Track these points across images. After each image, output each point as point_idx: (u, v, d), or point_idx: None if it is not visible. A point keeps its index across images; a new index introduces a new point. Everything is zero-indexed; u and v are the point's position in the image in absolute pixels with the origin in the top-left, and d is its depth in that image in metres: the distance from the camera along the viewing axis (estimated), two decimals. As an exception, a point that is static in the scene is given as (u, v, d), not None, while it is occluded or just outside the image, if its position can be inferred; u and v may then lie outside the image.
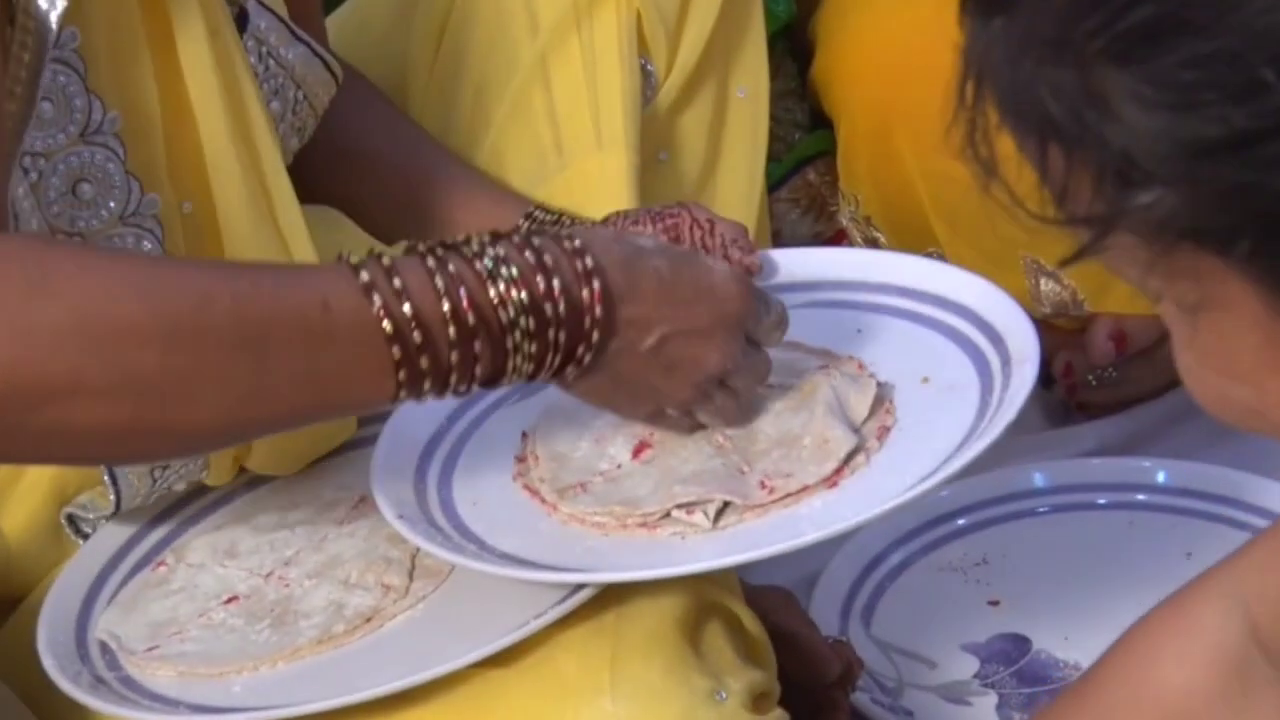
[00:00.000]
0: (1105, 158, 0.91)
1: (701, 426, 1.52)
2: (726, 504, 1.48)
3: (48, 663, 1.49)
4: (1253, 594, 1.23)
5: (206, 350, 1.33)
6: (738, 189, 1.92)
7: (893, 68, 2.13)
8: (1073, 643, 1.85)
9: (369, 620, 1.52)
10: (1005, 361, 1.54)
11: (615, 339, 1.44)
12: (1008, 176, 0.97)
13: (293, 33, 1.70)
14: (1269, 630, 1.22)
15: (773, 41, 2.05)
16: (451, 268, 1.38)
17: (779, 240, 2.13)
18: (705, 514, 1.48)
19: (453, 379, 1.39)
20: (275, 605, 1.55)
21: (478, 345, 1.38)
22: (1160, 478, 2.00)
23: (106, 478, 1.59)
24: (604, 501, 1.51)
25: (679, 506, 1.48)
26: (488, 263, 1.39)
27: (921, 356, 1.59)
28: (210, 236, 1.56)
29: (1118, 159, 0.90)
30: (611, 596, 1.47)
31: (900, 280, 1.66)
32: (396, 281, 1.36)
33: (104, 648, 1.52)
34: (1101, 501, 2.00)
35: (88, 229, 1.52)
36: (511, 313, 1.39)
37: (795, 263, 1.72)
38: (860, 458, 1.50)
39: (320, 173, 1.78)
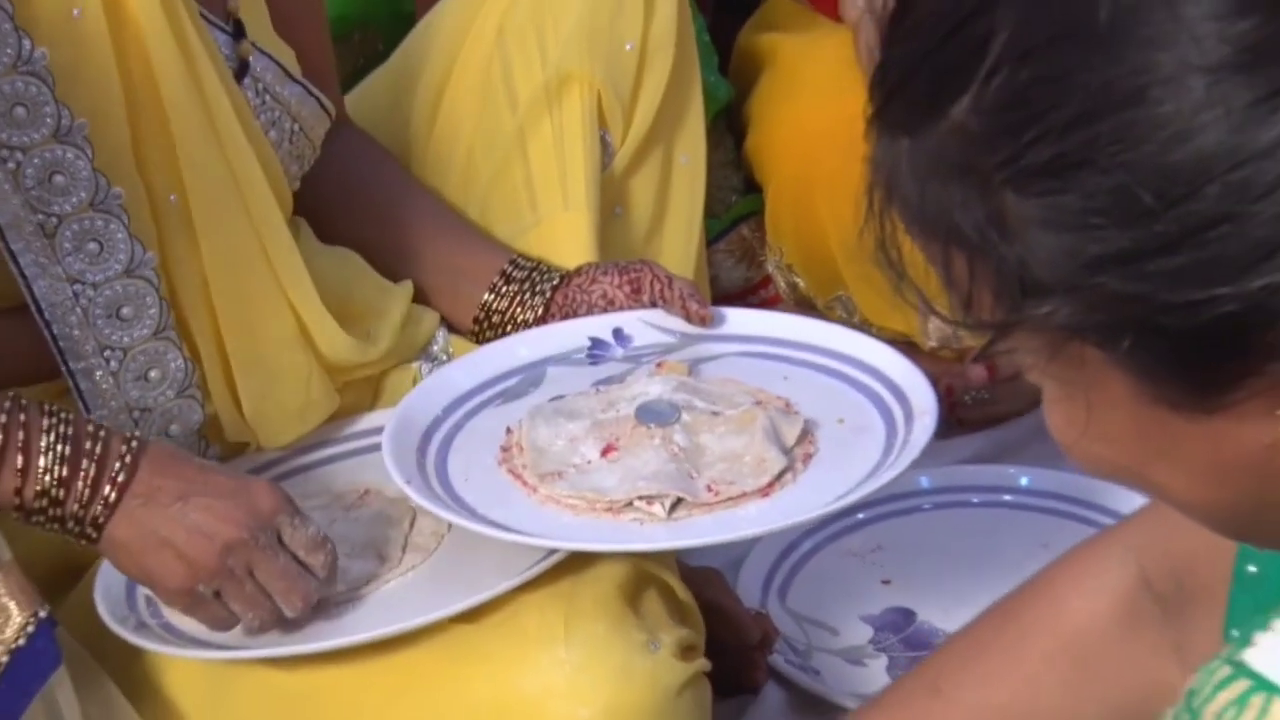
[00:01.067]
0: (1007, 271, 0.87)
1: (236, 620, 1.48)
2: (679, 500, 1.51)
3: (102, 610, 1.49)
4: (1143, 546, 1.24)
5: None
6: (679, 239, 1.91)
7: (811, 146, 2.11)
8: (950, 615, 1.83)
9: (367, 583, 1.53)
10: (908, 414, 1.57)
11: (135, 491, 1.43)
12: (916, 278, 0.94)
13: (288, 75, 1.69)
14: (1154, 574, 1.22)
15: (714, 121, 2.06)
16: (21, 415, 1.41)
17: (716, 283, 2.14)
18: (662, 506, 1.50)
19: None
20: None
21: (11, 471, 1.41)
22: (1023, 481, 2.01)
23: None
24: (577, 487, 1.52)
25: (640, 498, 1.51)
26: (48, 420, 1.42)
27: (837, 403, 1.61)
28: (184, 222, 1.57)
29: (1018, 272, 0.86)
30: (567, 568, 1.49)
31: (823, 343, 1.68)
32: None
33: (148, 600, 1.51)
34: (975, 500, 2.00)
35: (62, 211, 1.51)
36: (44, 458, 1.41)
37: (739, 319, 1.73)
38: (789, 476, 1.53)
39: (335, 217, 1.78)
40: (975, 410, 2.16)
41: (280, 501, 1.47)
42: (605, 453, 1.55)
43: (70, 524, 1.44)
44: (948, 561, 1.91)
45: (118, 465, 1.43)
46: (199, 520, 1.44)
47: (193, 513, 1.44)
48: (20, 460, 1.41)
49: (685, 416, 1.57)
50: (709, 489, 1.52)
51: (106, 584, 1.52)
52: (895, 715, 1.29)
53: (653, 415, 1.57)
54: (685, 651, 1.51)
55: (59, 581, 1.57)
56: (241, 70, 1.63)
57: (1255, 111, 0.82)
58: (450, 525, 1.54)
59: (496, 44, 1.84)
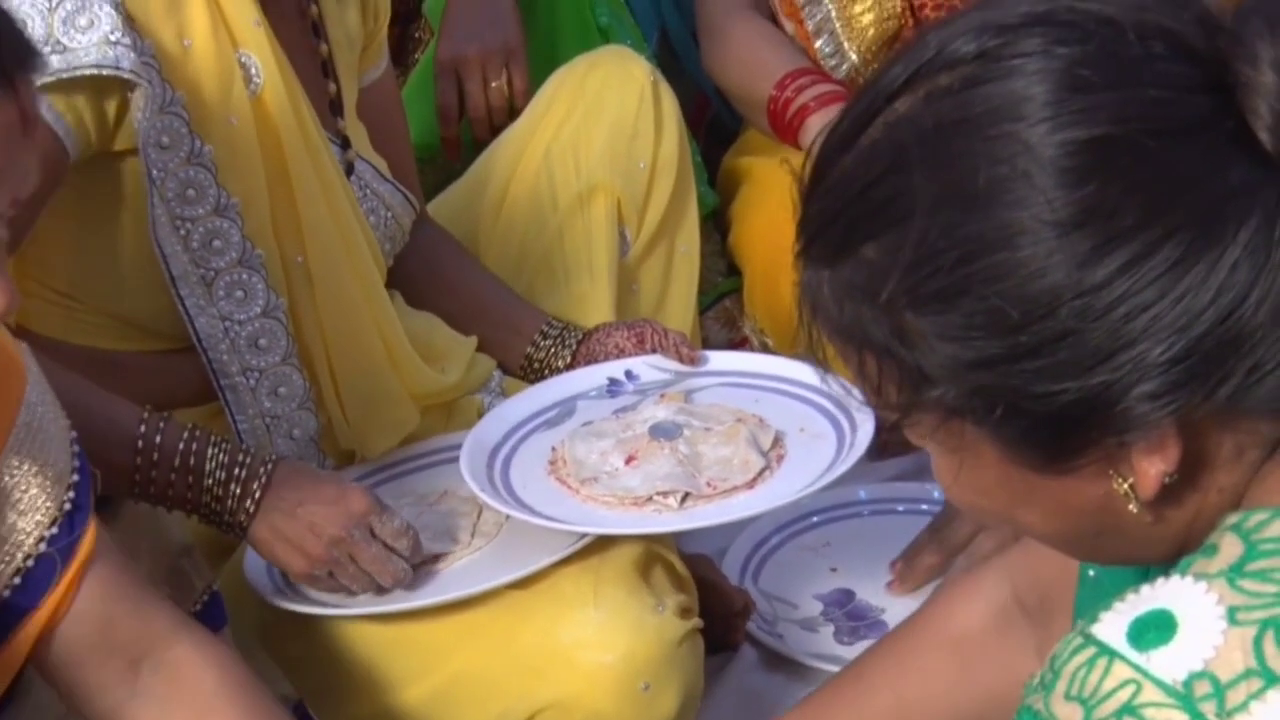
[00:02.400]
0: (907, 368, 0.87)
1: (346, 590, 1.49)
2: (687, 494, 1.53)
3: (252, 579, 1.52)
4: (1015, 570, 1.22)
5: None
6: (680, 309, 1.92)
7: (777, 243, 2.01)
8: (880, 595, 1.84)
9: (443, 559, 1.54)
10: (852, 424, 1.58)
11: (267, 501, 1.45)
12: (841, 373, 0.93)
13: (382, 176, 1.71)
14: (1022, 591, 1.21)
15: (704, 221, 2.05)
16: (195, 441, 1.44)
17: (706, 342, 2.09)
18: (675, 498, 1.52)
19: (166, 490, 1.44)
20: None
21: (184, 479, 1.43)
22: (936, 494, 1.93)
23: (234, 430, 1.58)
24: (610, 489, 1.54)
25: (658, 494, 1.52)
26: (213, 446, 1.44)
27: (797, 418, 1.63)
28: (306, 281, 1.58)
29: (915, 370, 0.87)
30: (594, 549, 1.51)
31: (782, 373, 1.70)
32: (158, 429, 1.42)
33: (283, 574, 1.53)
34: (901, 509, 1.97)
35: (218, 267, 1.52)
36: (209, 466, 1.44)
37: (719, 359, 1.75)
38: (768, 472, 1.55)
39: (421, 289, 1.79)
40: (893, 434, 2.08)
41: (370, 503, 1.47)
42: (628, 462, 1.56)
43: (224, 524, 1.47)
44: (880, 555, 1.87)
45: (256, 484, 1.45)
46: (311, 522, 1.46)
47: (306, 517, 1.46)
48: (191, 478, 1.45)
49: (686, 432, 1.58)
50: (709, 485, 1.53)
51: (251, 561, 1.54)
52: (831, 700, 1.26)
53: (662, 432, 1.58)
54: (684, 612, 1.53)
55: (215, 560, 1.59)
56: (348, 170, 1.65)
57: (1091, 256, 0.83)
58: (507, 517, 1.54)
59: (544, 162, 1.85)
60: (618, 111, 1.87)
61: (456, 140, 2.11)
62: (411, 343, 1.68)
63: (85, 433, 1.30)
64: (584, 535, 1.49)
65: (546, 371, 1.78)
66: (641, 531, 1.51)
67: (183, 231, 1.50)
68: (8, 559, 1.20)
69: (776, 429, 1.60)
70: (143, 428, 1.42)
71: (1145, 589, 0.83)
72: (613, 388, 1.71)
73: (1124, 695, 0.79)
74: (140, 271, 1.52)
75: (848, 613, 1.85)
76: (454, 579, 1.52)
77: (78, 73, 1.39)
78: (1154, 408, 0.84)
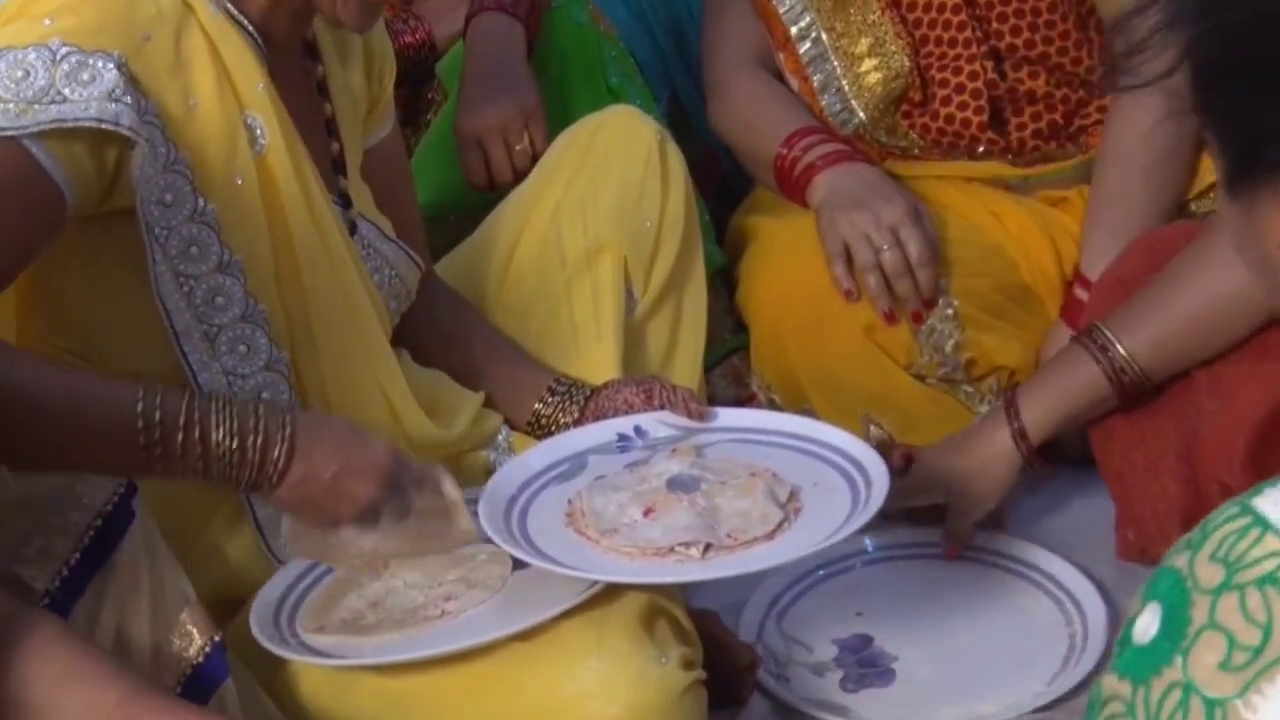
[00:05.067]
0: None
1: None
2: (708, 545, 1.53)
3: (256, 632, 1.52)
4: None
5: (45, 416, 1.36)
6: (687, 367, 1.93)
7: (783, 300, 2.13)
8: (898, 644, 1.84)
9: (450, 614, 1.54)
10: (866, 479, 1.59)
11: (295, 471, 1.43)
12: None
13: (385, 235, 1.71)
14: None
15: (711, 279, 2.08)
16: (196, 407, 1.41)
17: (714, 400, 2.10)
18: (697, 550, 1.53)
19: (176, 464, 1.41)
20: (405, 604, 1.57)
21: (190, 450, 1.40)
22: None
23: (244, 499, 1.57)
24: (631, 539, 1.54)
25: (680, 544, 1.53)
26: (215, 410, 1.41)
27: (810, 472, 1.63)
28: (307, 336, 1.59)
29: None
30: (599, 601, 1.51)
31: (790, 429, 1.71)
32: (157, 402, 1.39)
33: (289, 624, 1.54)
34: (937, 553, 1.95)
35: (221, 322, 1.53)
36: (217, 434, 1.41)
37: (727, 415, 1.76)
38: (786, 524, 1.56)
39: (429, 347, 1.80)
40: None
41: (397, 461, 1.48)
42: (646, 514, 1.56)
43: (242, 488, 1.45)
44: (907, 601, 1.89)
45: (278, 451, 1.43)
46: (346, 487, 1.46)
47: (342, 483, 1.45)
48: (200, 441, 1.42)
49: (703, 485, 1.58)
50: (729, 536, 1.54)
51: (259, 614, 1.54)
52: None
53: (680, 485, 1.59)
54: (687, 664, 1.53)
55: (224, 612, 1.58)
56: (351, 229, 1.66)
57: None
58: (511, 570, 1.55)
59: (551, 221, 1.87)
60: (625, 170, 1.88)
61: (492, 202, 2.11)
62: (417, 398, 1.69)
63: (90, 425, 1.33)
64: (589, 587, 1.50)
65: (554, 428, 1.79)
66: (665, 581, 1.52)
67: (185, 288, 1.51)
68: None
69: (791, 483, 1.61)
70: (140, 405, 1.40)
71: None
72: (622, 443, 1.72)
73: (1269, 565, 0.81)
74: (148, 329, 1.53)
75: (860, 659, 1.86)
76: (458, 631, 1.52)
77: (78, 124, 1.41)
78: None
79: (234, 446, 1.42)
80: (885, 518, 1.97)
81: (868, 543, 1.98)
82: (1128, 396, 1.78)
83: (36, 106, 1.39)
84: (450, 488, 1.52)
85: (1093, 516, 1.96)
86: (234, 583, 1.62)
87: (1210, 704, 0.80)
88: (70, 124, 1.40)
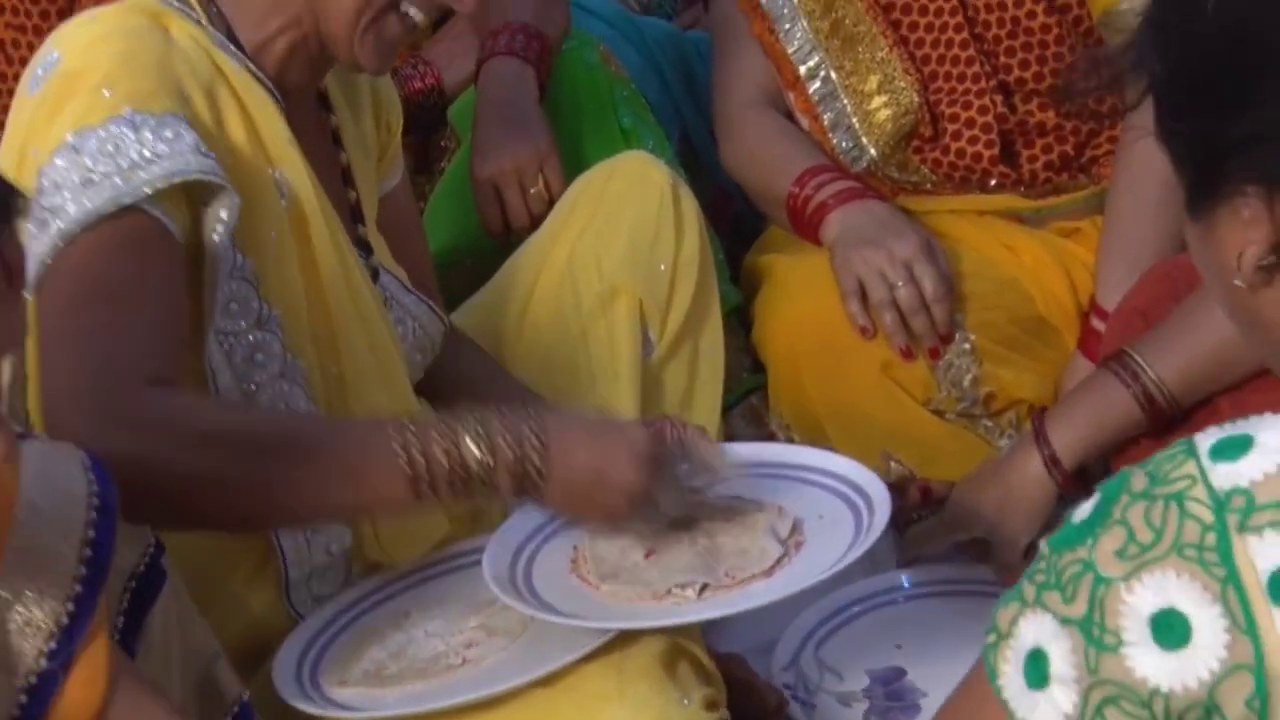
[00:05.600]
0: None
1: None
2: (705, 585, 1.53)
3: (280, 687, 1.52)
4: None
5: (285, 463, 1.36)
6: (705, 408, 1.94)
7: (799, 339, 2.13)
8: (931, 680, 1.81)
9: (472, 662, 1.54)
10: (870, 507, 1.59)
11: (556, 472, 1.43)
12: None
13: (404, 286, 1.73)
14: None
15: (727, 318, 2.07)
16: (448, 426, 1.41)
17: (733, 439, 2.08)
18: (693, 590, 1.53)
19: (443, 487, 1.41)
20: (427, 653, 1.57)
21: (453, 471, 1.40)
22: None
23: (276, 545, 1.57)
24: (630, 584, 1.55)
25: (676, 586, 1.53)
26: (467, 425, 1.42)
27: (817, 504, 1.63)
28: (341, 391, 1.59)
29: None
30: (619, 644, 1.51)
31: (799, 460, 1.71)
32: (411, 435, 1.40)
33: (311, 679, 1.53)
34: (990, 590, 1.89)
35: (259, 380, 1.54)
36: (472, 450, 1.41)
37: (739, 451, 1.74)
38: (785, 560, 1.56)
39: (448, 397, 1.78)
40: (920, 527, 2.07)
41: (653, 439, 1.48)
42: (647, 556, 1.57)
43: (510, 494, 1.45)
44: (948, 637, 1.84)
45: (533, 450, 1.43)
46: (613, 483, 1.45)
47: (604, 475, 1.45)
48: (460, 457, 1.41)
49: (705, 524, 1.58)
50: (727, 575, 1.54)
51: (281, 668, 1.54)
52: None
53: (681, 522, 1.58)
54: (710, 705, 1.52)
55: (246, 665, 1.56)
56: (373, 276, 1.67)
57: None
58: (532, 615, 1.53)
59: (566, 268, 1.88)
60: (638, 215, 1.90)
61: (506, 244, 2.13)
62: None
63: (352, 475, 1.35)
64: (606, 632, 1.50)
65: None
66: (658, 625, 1.51)
67: (225, 346, 1.52)
68: (13, 682, 1.21)
69: (795, 516, 1.61)
70: (396, 441, 1.39)
71: (1262, 420, 0.99)
72: None
73: (1179, 485, 0.97)
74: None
75: (889, 692, 1.85)
76: (480, 679, 1.52)
77: (185, 178, 1.42)
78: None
79: (491, 459, 1.41)
80: (927, 557, 1.99)
81: (905, 580, 1.97)
82: (1157, 422, 1.78)
83: (139, 171, 1.42)
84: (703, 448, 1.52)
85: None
86: (256, 635, 1.62)
87: (1099, 580, 0.97)
88: (179, 179, 1.42)
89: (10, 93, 2.04)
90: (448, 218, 2.21)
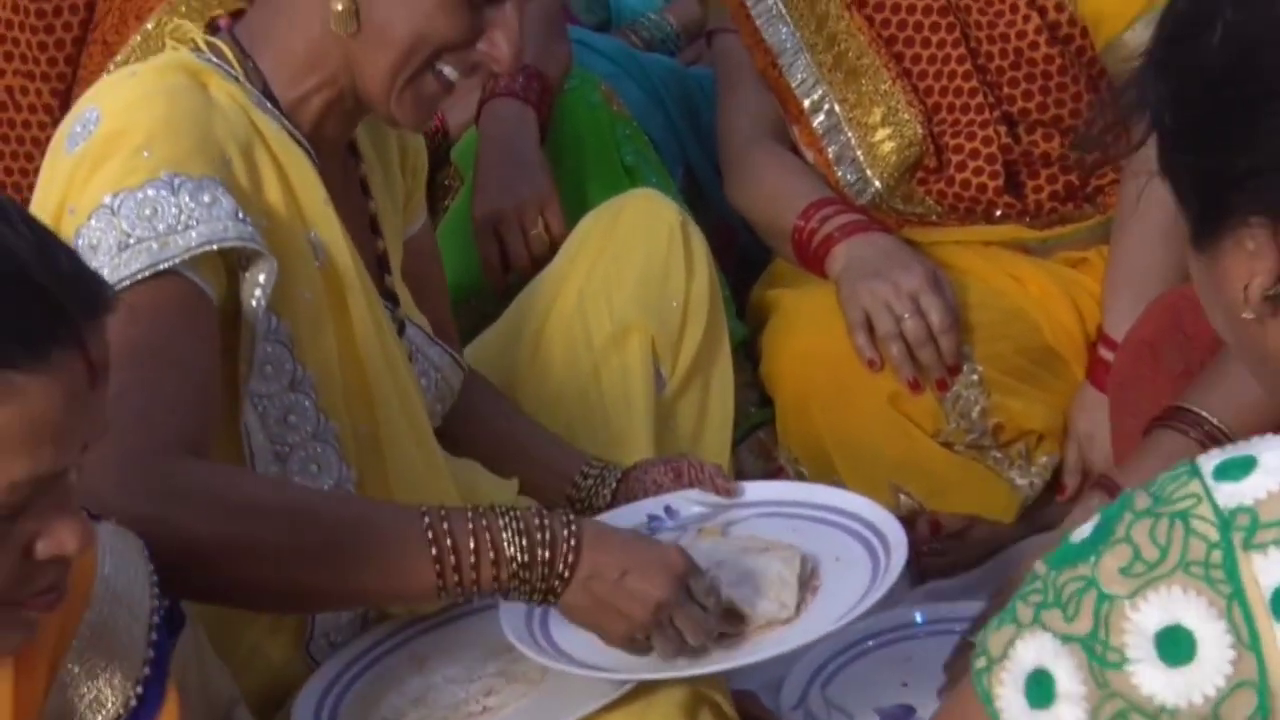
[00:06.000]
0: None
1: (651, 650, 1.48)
2: (722, 634, 1.52)
3: None
4: None
5: (313, 545, 1.36)
6: (715, 444, 1.94)
7: (807, 373, 2.14)
8: None
9: (492, 710, 1.54)
10: (886, 549, 1.58)
11: (583, 568, 1.41)
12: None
13: (431, 338, 1.73)
14: None
15: (735, 352, 2.06)
16: (484, 521, 1.40)
17: (741, 474, 2.06)
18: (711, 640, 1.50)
19: (470, 578, 1.39)
20: (446, 700, 1.56)
21: (487, 563, 1.39)
22: None
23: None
24: None
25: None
26: (503, 520, 1.40)
27: (833, 545, 1.63)
28: (375, 450, 1.58)
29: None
30: (642, 692, 1.50)
31: (816, 499, 1.71)
32: (444, 523, 1.38)
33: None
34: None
35: (293, 441, 1.53)
36: (510, 549, 1.39)
37: (755, 489, 1.76)
38: (802, 606, 1.55)
39: (460, 437, 1.80)
40: (930, 560, 2.13)
41: (688, 563, 1.46)
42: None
43: (530, 595, 1.43)
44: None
45: (566, 549, 1.41)
46: (636, 588, 1.43)
47: (631, 585, 1.43)
48: (493, 553, 1.40)
49: (722, 570, 1.56)
50: (744, 622, 1.52)
51: (300, 716, 1.53)
52: None
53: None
54: None
55: (263, 715, 1.57)
56: (400, 329, 1.67)
57: None
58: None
59: (577, 306, 1.88)
60: (647, 253, 1.90)
61: (505, 287, 2.14)
62: (455, 489, 1.68)
63: (382, 562, 1.33)
64: (623, 683, 1.49)
65: (588, 511, 1.78)
66: (675, 676, 1.50)
67: (259, 408, 1.51)
68: None
69: (812, 560, 1.61)
70: (430, 532, 1.38)
71: (1263, 441, 1.00)
72: (653, 524, 1.71)
73: (1184, 504, 0.97)
74: (221, 448, 1.51)
75: (897, 730, 1.82)
76: (504, 726, 1.52)
77: (223, 244, 1.42)
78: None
79: (525, 557, 1.40)
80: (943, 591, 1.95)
81: (918, 616, 1.94)
82: None
83: (175, 236, 1.41)
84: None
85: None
86: (275, 684, 1.61)
87: (1102, 597, 0.97)
88: (216, 245, 1.42)
89: (19, 140, 2.08)
90: (451, 257, 2.19)
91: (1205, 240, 1.09)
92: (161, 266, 1.40)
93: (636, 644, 1.47)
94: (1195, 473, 0.98)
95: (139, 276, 1.40)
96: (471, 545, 1.39)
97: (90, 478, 1.28)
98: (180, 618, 1.37)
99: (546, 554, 1.41)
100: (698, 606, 1.47)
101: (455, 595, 1.42)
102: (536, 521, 1.42)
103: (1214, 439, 1.70)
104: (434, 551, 1.38)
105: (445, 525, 1.39)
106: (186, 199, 1.42)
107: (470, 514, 1.41)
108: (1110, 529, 0.99)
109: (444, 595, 1.41)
